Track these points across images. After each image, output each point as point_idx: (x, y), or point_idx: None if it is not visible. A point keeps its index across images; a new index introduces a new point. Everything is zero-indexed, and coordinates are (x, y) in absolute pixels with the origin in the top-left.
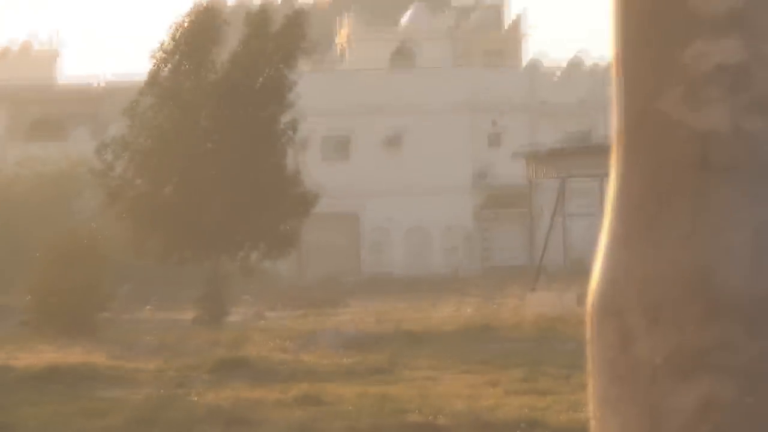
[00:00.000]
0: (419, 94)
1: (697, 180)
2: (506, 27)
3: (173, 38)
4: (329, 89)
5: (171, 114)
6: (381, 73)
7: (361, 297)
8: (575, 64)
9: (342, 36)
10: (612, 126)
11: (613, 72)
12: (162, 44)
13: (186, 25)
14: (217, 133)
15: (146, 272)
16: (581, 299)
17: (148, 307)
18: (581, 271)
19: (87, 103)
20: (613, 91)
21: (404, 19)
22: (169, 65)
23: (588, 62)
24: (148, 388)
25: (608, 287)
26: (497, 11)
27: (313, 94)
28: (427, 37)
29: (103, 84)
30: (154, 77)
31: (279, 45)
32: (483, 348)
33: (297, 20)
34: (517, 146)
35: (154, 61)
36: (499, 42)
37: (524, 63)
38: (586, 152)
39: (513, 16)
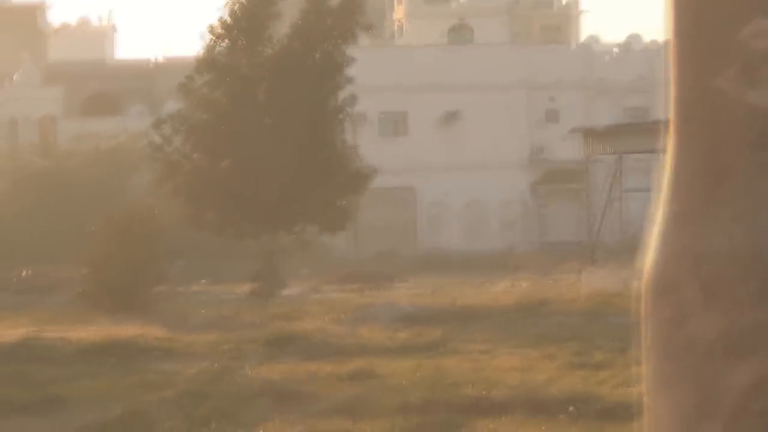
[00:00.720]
0: (476, 72)
1: (754, 158)
2: (563, 3)
3: (231, 14)
4: (386, 66)
5: (228, 89)
6: (438, 50)
7: (417, 272)
8: (632, 42)
9: (399, 12)
10: (669, 103)
11: (669, 50)
12: (219, 20)
13: (243, 1)
14: (274, 108)
15: (202, 246)
16: (637, 275)
17: (203, 280)
18: (637, 247)
19: (142, 79)
20: (670, 69)
21: None
22: (226, 41)
23: (645, 39)
24: (202, 361)
25: (664, 264)
26: None
27: (370, 70)
28: (484, 14)
29: (159, 60)
30: (210, 53)
31: (337, 21)
32: (538, 323)
33: None
34: (574, 123)
35: (211, 37)
36: (557, 18)
37: (580, 41)
38: (642, 129)
39: None
